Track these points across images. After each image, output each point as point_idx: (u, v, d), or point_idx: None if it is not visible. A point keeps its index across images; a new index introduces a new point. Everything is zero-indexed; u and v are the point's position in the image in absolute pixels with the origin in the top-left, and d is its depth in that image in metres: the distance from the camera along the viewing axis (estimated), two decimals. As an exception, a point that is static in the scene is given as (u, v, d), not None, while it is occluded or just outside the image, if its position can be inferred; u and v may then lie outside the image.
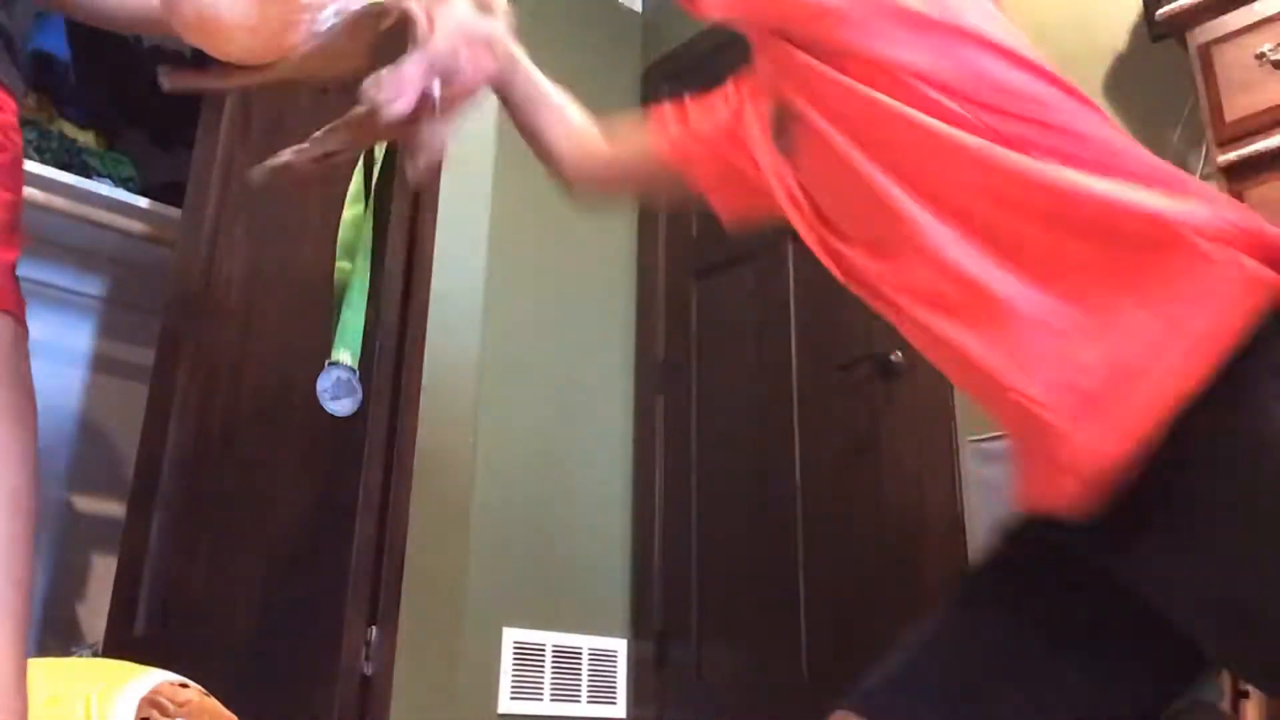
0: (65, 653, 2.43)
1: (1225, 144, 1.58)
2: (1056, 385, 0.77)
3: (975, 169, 0.82)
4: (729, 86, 1.11)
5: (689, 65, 3.01)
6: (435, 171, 2.07)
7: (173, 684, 1.23)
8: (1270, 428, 0.73)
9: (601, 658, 2.61)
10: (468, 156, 2.40)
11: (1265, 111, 1.55)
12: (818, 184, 0.96)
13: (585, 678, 2.56)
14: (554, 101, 1.20)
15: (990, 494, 1.95)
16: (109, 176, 2.83)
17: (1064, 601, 0.89)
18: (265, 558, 2.07)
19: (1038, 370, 0.78)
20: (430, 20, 0.94)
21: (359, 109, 0.95)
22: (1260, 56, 1.57)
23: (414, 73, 0.91)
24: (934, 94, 0.84)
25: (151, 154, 3.09)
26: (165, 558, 2.25)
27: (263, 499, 2.13)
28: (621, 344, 2.94)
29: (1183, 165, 1.67)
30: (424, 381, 2.16)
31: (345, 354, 2.01)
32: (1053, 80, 0.87)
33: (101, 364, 2.96)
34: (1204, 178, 1.68)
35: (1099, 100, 1.53)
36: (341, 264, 2.10)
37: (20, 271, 0.93)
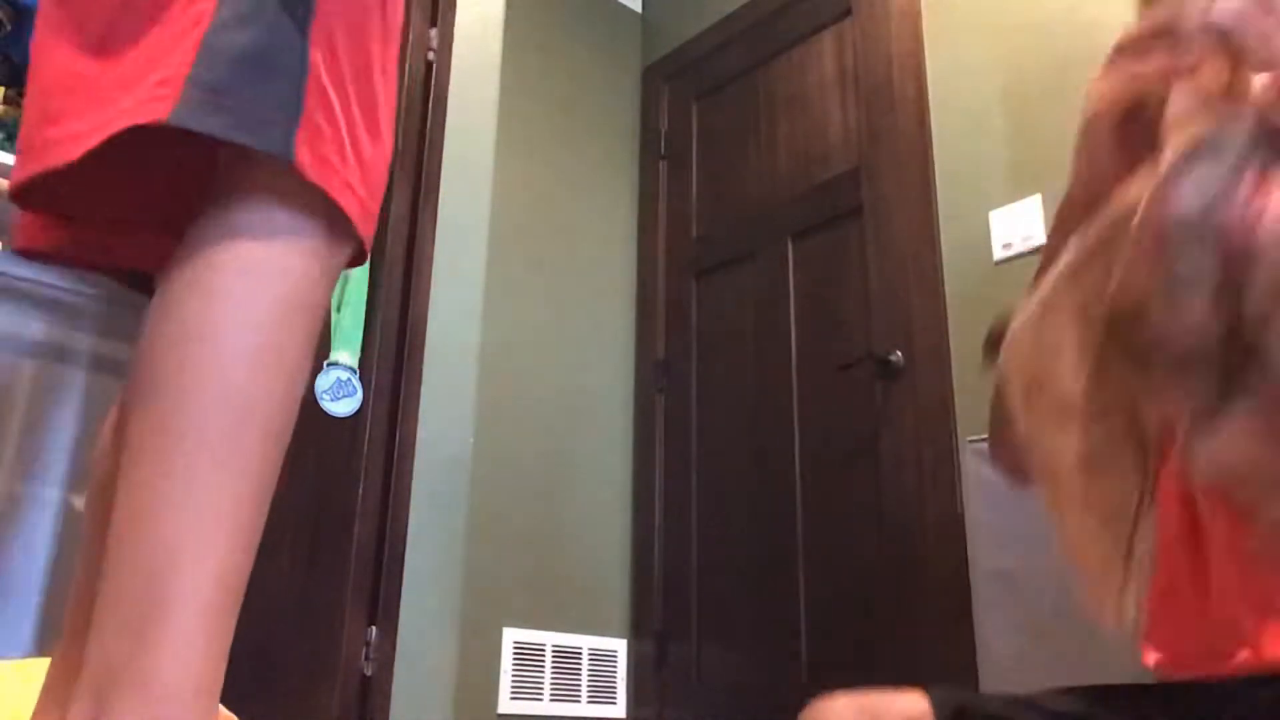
0: (65, 653, 2.42)
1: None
2: None
3: None
4: None
5: (689, 65, 3.00)
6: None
7: (172, 684, 1.23)
8: None
9: (601, 658, 2.61)
10: (468, 155, 2.40)
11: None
12: None
13: (585, 678, 2.56)
14: None
15: (990, 494, 1.95)
16: (109, 176, 2.82)
17: None
18: (265, 558, 2.07)
19: None
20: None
21: None
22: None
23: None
24: None
25: (151, 154, 3.09)
26: (165, 558, 2.25)
27: (263, 499, 2.13)
28: (621, 344, 2.94)
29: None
30: (424, 381, 2.16)
31: (344, 354, 2.01)
32: None
33: (101, 364, 2.94)
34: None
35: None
36: (341, 264, 2.10)
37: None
